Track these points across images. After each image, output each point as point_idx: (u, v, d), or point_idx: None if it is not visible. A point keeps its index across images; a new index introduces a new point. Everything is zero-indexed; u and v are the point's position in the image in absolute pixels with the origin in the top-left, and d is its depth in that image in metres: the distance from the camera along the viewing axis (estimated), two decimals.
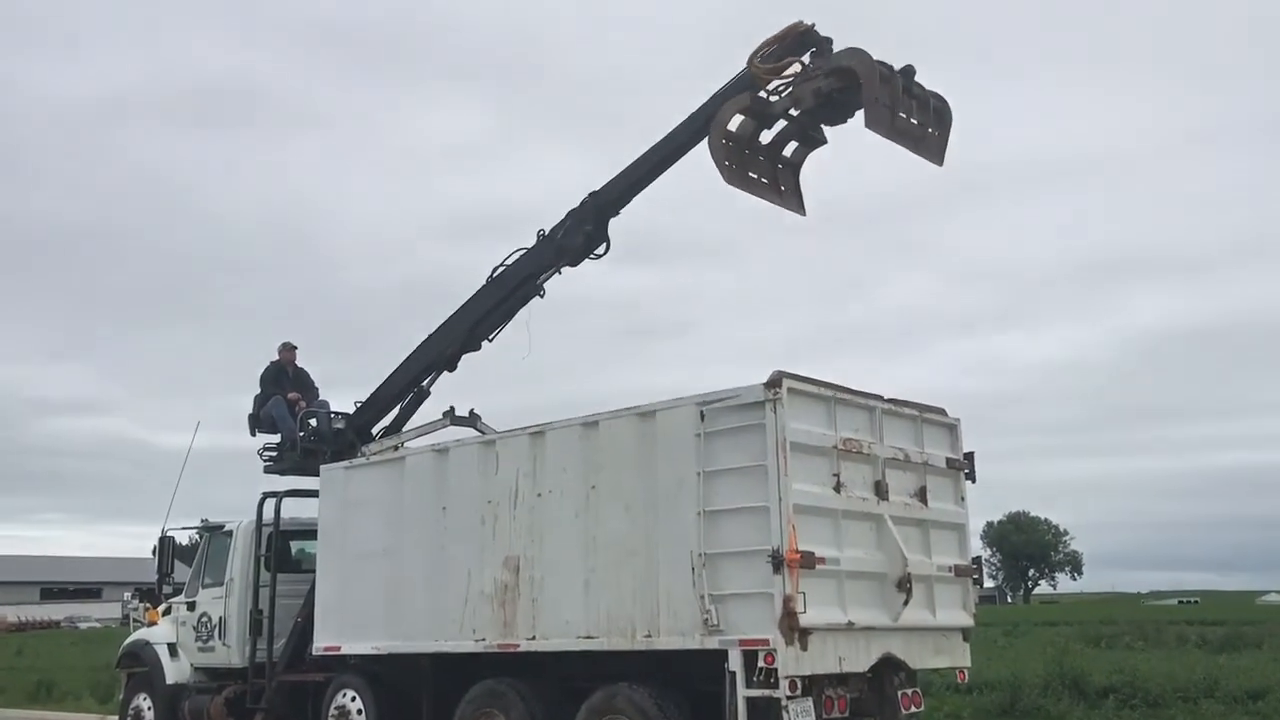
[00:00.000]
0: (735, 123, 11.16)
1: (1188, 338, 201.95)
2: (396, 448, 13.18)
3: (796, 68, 10.91)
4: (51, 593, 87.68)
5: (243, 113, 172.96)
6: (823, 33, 10.94)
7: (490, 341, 13.25)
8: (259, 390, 14.73)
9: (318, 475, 13.30)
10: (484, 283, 12.93)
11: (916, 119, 10.69)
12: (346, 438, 13.85)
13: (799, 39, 10.97)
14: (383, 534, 12.12)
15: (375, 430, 13.94)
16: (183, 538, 15.60)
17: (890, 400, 10.34)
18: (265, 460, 14.52)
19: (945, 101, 10.97)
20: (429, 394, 13.83)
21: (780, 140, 11.56)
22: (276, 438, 14.45)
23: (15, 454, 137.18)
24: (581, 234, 12.19)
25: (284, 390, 14.57)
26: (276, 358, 15.01)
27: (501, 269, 12.79)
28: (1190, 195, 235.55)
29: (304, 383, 14.95)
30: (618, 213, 12.26)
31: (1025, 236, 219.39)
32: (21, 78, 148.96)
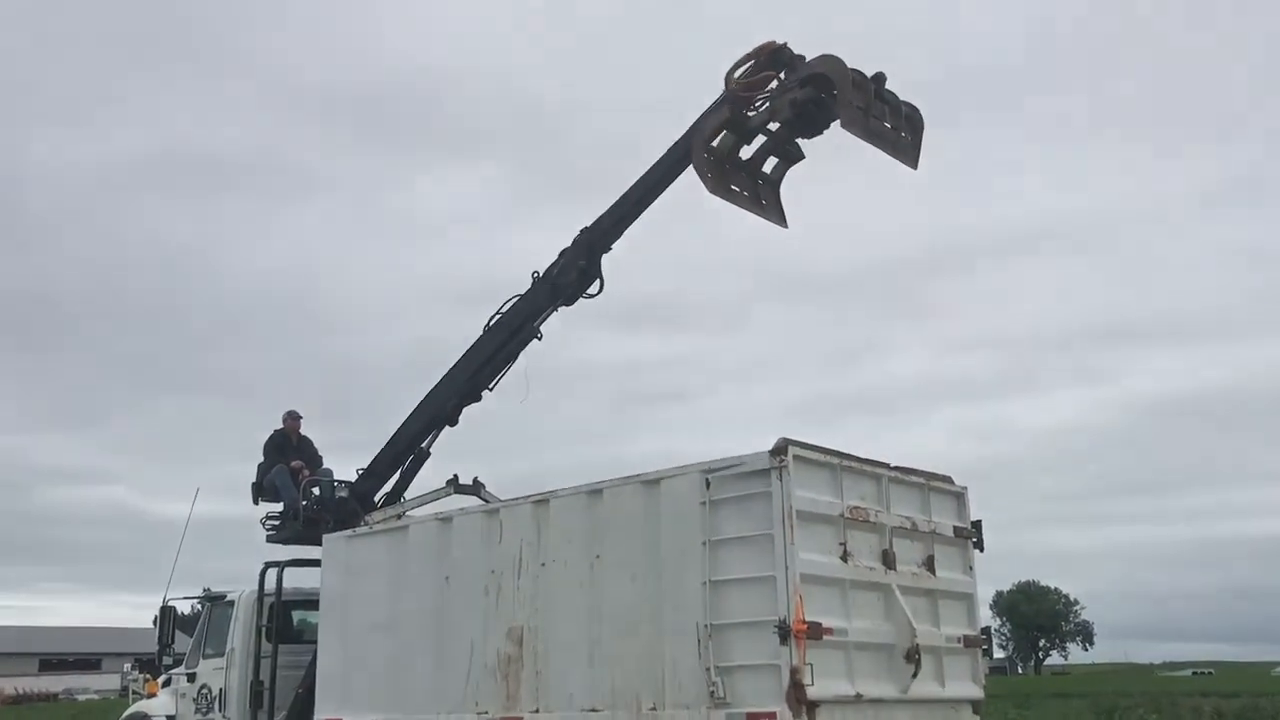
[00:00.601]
0: (716, 139, 11.42)
1: (1198, 404, 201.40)
2: (399, 516, 13.12)
3: (774, 84, 11.19)
4: (50, 664, 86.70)
5: (245, 181, 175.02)
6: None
7: (491, 390, 13.29)
8: (263, 458, 14.73)
9: (320, 544, 13.20)
10: (481, 332, 13.01)
11: (890, 123, 10.96)
12: (349, 506, 13.79)
13: (772, 56, 11.26)
14: (385, 604, 12.00)
15: (377, 497, 13.90)
16: (184, 607, 15.50)
17: (897, 468, 10.28)
18: (268, 529, 14.46)
19: (916, 109, 11.25)
20: (429, 454, 13.82)
21: (759, 157, 11.83)
22: (279, 506, 14.41)
23: (17, 523, 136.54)
24: (575, 270, 12.32)
25: (287, 459, 14.56)
26: (281, 426, 15.04)
27: (498, 316, 12.89)
28: (1195, 260, 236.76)
29: (308, 451, 14.93)
30: (609, 247, 12.39)
31: (1028, 301, 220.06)
32: (25, 146, 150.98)
